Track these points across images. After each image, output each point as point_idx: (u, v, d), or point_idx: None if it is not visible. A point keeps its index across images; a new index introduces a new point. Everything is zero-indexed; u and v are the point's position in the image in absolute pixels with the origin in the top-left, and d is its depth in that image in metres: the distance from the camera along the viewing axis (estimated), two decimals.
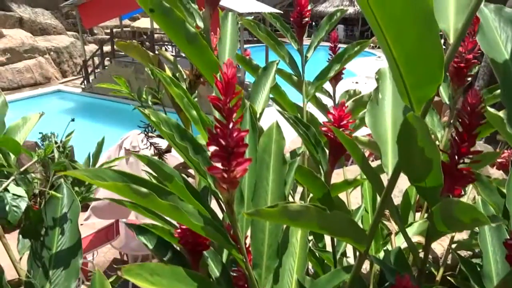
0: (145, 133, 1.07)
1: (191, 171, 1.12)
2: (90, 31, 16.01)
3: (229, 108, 0.38)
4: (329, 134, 0.71)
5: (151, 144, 1.09)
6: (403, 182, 0.78)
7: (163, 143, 1.24)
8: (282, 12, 12.43)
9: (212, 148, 0.40)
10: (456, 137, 0.48)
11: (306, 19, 1.04)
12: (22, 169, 0.60)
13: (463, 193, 0.55)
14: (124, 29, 15.10)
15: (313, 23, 26.48)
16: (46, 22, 14.55)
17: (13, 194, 0.55)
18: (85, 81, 12.22)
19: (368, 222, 0.87)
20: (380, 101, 0.58)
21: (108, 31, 16.45)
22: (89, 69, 12.22)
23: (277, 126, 0.55)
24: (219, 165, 0.40)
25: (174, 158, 1.42)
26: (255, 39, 22.30)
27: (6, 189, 0.54)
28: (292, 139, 6.89)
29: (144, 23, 16.72)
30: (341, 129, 0.70)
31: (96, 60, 12.35)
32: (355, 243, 0.49)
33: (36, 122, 0.90)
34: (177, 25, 0.64)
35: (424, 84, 0.43)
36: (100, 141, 0.97)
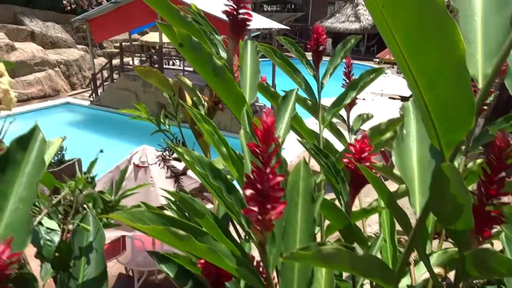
0: (162, 156, 1.08)
1: (207, 195, 1.13)
2: (99, 45, 16.27)
3: (267, 155, 0.39)
4: (350, 166, 0.71)
5: (168, 167, 1.10)
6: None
7: (179, 165, 1.25)
8: (289, 28, 12.57)
9: (249, 192, 0.41)
10: (485, 179, 0.49)
11: (323, 46, 1.06)
12: (54, 202, 0.61)
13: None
14: (133, 43, 15.33)
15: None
16: (56, 36, 14.83)
17: (47, 228, 0.56)
18: (94, 94, 12.36)
19: (387, 251, 0.87)
20: (405, 137, 0.59)
21: (117, 44, 16.73)
22: (98, 82, 12.38)
23: (304, 163, 0.55)
24: (254, 207, 0.41)
25: (189, 179, 1.43)
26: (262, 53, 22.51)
27: (40, 223, 0.55)
28: (298, 155, 6.88)
29: (152, 37, 16.98)
30: (362, 161, 0.71)
31: (105, 73, 12.52)
32: (383, 283, 0.49)
33: (59, 145, 0.91)
34: (205, 59, 0.66)
35: (455, 129, 0.44)
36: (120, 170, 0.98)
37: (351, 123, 1.26)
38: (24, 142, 0.47)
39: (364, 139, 0.71)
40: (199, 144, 0.95)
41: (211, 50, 0.72)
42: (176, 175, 1.15)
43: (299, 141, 0.82)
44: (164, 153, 1.08)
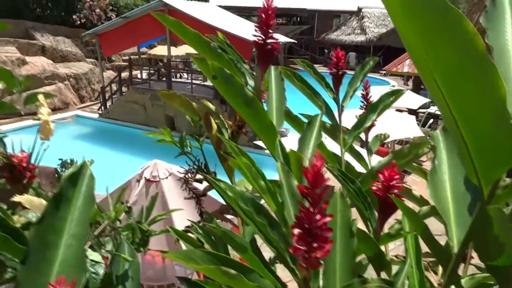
0: (185, 178, 1.10)
1: (229, 217, 1.13)
2: (108, 58, 16.50)
3: (317, 197, 0.40)
4: (379, 193, 0.72)
5: (190, 189, 1.12)
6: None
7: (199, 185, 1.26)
8: (296, 42, 12.67)
9: (297, 231, 0.42)
10: None
11: (343, 70, 1.08)
12: (95, 233, 0.63)
13: None
14: (141, 56, 15.54)
15: (325, 50, 26.96)
16: (66, 50, 15.10)
17: (91, 260, 0.58)
18: (103, 107, 12.50)
19: (414, 277, 0.86)
20: (437, 169, 0.59)
21: (125, 57, 16.97)
22: (107, 95, 12.54)
23: (341, 196, 0.57)
24: (302, 246, 0.42)
25: (210, 200, 1.44)
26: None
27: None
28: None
29: (160, 50, 17.21)
30: (391, 189, 0.72)
31: (114, 86, 12.68)
32: None
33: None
34: (237, 91, 0.68)
35: (495, 167, 0.45)
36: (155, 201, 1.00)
37: (369, 144, 1.27)
38: (74, 178, 0.49)
39: (393, 167, 0.72)
40: (224, 168, 0.97)
41: (241, 80, 0.74)
42: (198, 197, 1.16)
43: (326, 167, 0.83)
44: (186, 175, 1.10)
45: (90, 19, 16.57)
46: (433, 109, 11.60)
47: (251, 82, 0.82)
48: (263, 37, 0.79)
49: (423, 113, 10.84)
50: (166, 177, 3.63)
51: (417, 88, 13.03)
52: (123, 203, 0.75)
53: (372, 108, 1.09)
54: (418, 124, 8.90)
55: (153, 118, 11.25)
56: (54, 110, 12.77)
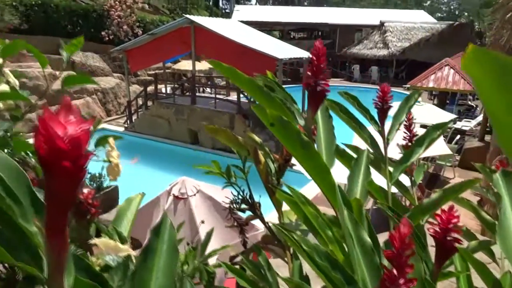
0: (230, 208, 1.12)
1: (273, 247, 1.15)
2: (134, 73, 16.98)
3: (403, 262, 0.41)
4: (436, 236, 0.72)
5: (234, 219, 1.14)
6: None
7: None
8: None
9: None
10: None
11: (388, 104, 1.08)
12: None
13: None
14: (166, 70, 15.92)
15: (347, 64, 26.93)
16: (95, 65, 15.64)
17: None
18: (128, 121, 12.82)
19: None
20: (503, 217, 0.59)
21: (151, 72, 17.43)
22: (132, 109, 12.86)
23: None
24: None
25: (253, 230, 1.45)
26: (289, 79, 22.87)
27: None
28: (316, 195, 6.47)
29: (183, 65, 17.60)
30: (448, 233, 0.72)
31: (139, 100, 13.00)
32: None
33: (140, 202, 0.97)
34: (293, 136, 0.70)
35: None
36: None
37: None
38: (157, 229, 0.52)
39: (451, 211, 0.72)
40: (272, 202, 0.98)
41: (296, 124, 0.76)
42: (241, 226, 1.18)
43: (379, 204, 0.83)
44: (232, 205, 1.12)
45: (118, 35, 17.16)
46: (460, 125, 11.33)
47: (301, 122, 0.84)
48: (315, 80, 0.81)
49: (450, 128, 10.61)
50: (194, 194, 3.68)
51: (442, 104, 12.80)
52: (194, 248, 0.78)
53: (418, 143, 1.09)
54: (444, 140, 8.71)
55: (177, 132, 11.45)
56: None
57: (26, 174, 0.40)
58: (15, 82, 0.75)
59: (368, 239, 0.54)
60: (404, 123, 1.27)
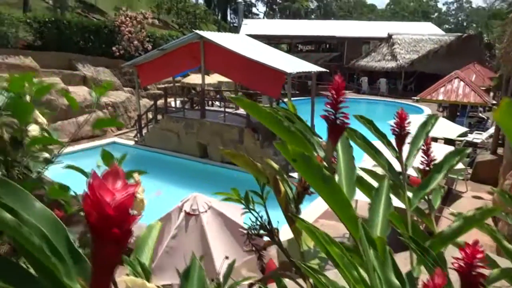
0: (248, 233, 1.12)
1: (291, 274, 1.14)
2: (144, 87, 17.22)
3: None
4: (461, 271, 0.72)
5: (252, 245, 1.14)
6: None
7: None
8: (328, 71, 12.74)
9: None
10: None
11: (406, 130, 1.09)
12: None
13: None
14: (176, 84, 16.11)
15: (355, 76, 26.96)
16: (105, 79, 15.89)
17: None
18: (138, 134, 12.94)
19: None
20: None
21: (160, 86, 17.65)
22: (142, 123, 12.99)
23: None
24: None
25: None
26: (297, 92, 22.94)
27: None
28: (326, 209, 6.39)
29: (192, 79, 17.79)
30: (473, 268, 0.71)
31: (149, 114, 13.14)
32: None
33: (159, 229, 0.97)
34: (315, 171, 0.71)
35: None
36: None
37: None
38: (186, 272, 0.53)
39: (476, 245, 0.72)
40: (292, 231, 0.98)
41: (317, 159, 0.77)
42: (259, 251, 1.18)
43: (400, 235, 0.83)
44: (250, 231, 1.12)
45: (128, 50, 17.47)
46: (471, 137, 11.21)
47: (321, 153, 0.84)
48: (334, 112, 0.82)
49: (460, 141, 10.50)
50: (206, 211, 3.68)
51: (453, 116, 12.69)
52: (213, 280, 0.78)
53: (436, 169, 1.09)
54: None
55: (187, 145, 11.52)
56: (93, 137, 13.35)
57: (64, 226, 0.41)
58: (43, 121, 0.77)
59: (396, 281, 0.53)
60: (422, 147, 1.27)
